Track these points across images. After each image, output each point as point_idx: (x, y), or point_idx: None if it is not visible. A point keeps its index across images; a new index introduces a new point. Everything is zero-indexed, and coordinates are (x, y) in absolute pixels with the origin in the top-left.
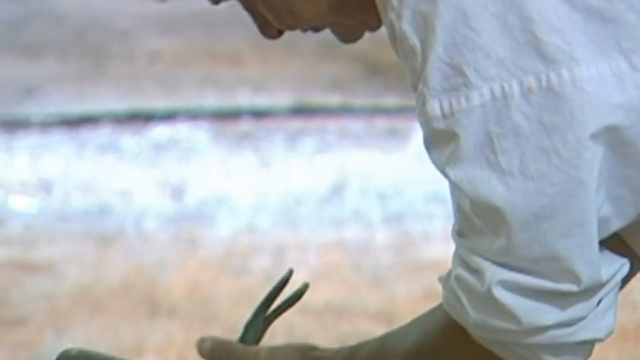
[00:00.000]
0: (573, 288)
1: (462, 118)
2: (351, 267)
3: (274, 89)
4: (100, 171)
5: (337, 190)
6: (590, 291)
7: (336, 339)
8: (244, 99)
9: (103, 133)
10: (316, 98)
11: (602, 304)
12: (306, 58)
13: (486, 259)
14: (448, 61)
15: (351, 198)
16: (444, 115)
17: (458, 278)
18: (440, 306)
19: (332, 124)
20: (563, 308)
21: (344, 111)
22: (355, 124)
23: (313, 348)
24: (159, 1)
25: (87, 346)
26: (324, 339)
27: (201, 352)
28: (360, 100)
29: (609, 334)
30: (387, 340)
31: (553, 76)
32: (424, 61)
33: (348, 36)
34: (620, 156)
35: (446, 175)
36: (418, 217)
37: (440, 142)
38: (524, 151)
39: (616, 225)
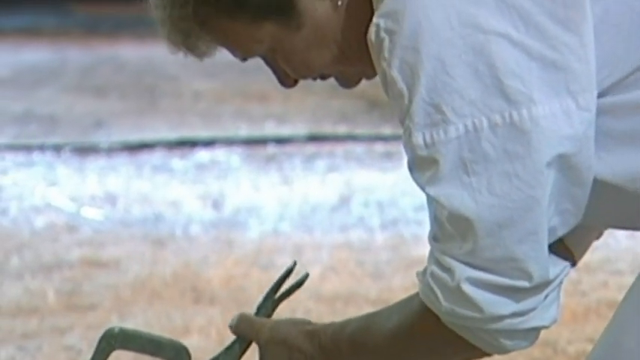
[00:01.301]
0: (526, 284)
1: (441, 147)
2: (355, 263)
3: (294, 121)
4: (154, 187)
5: (344, 201)
6: (539, 287)
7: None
8: (270, 129)
9: (157, 157)
10: (327, 128)
11: (548, 298)
12: (319, 97)
13: (456, 259)
14: (430, 102)
15: (356, 207)
16: (426, 145)
17: (432, 274)
18: (417, 294)
19: (340, 149)
20: (518, 301)
21: (349, 138)
22: (358, 149)
23: (308, 322)
24: (200, 60)
25: (144, 328)
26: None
27: (230, 328)
28: (362, 130)
29: (553, 322)
30: (371, 319)
31: (515, 113)
32: (410, 101)
33: (348, 83)
34: (567, 177)
35: (425, 192)
36: (410, 222)
37: (422, 166)
38: (492, 174)
39: (561, 232)
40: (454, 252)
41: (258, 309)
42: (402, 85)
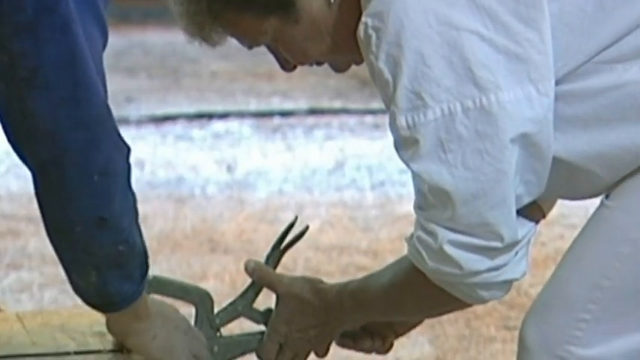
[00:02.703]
0: (498, 245)
1: (421, 128)
2: (348, 218)
3: (296, 97)
4: (177, 153)
5: (339, 166)
6: (510, 246)
7: (338, 268)
8: (276, 104)
9: (179, 127)
10: (325, 103)
11: (518, 254)
12: (318, 76)
13: (438, 225)
14: (411, 89)
15: (349, 171)
16: (408, 127)
17: (418, 238)
18: (406, 256)
19: (335, 121)
20: (492, 258)
21: (344, 112)
22: (351, 121)
23: (320, 281)
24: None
25: (167, 274)
26: (330, 267)
27: (246, 269)
28: (354, 105)
29: (523, 275)
30: (368, 279)
31: (484, 99)
32: (394, 89)
33: (340, 68)
34: (530, 153)
35: (409, 167)
36: (395, 184)
37: (405, 145)
38: (465, 151)
39: (526, 200)
40: (436, 218)
41: (267, 258)
42: (387, 76)
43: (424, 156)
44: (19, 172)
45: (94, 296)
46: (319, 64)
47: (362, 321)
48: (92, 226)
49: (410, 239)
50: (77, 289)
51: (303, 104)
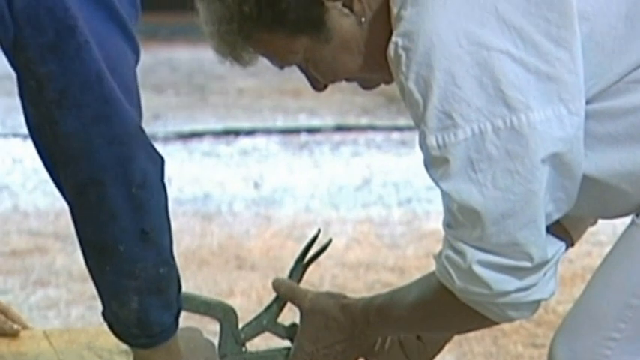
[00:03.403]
0: (528, 264)
1: (452, 148)
2: (375, 235)
3: (323, 114)
4: (203, 170)
5: (366, 183)
6: (539, 266)
7: (365, 284)
8: (302, 120)
9: (206, 144)
10: (351, 120)
11: (547, 274)
12: (345, 93)
13: (467, 244)
14: (441, 109)
15: (376, 188)
16: (438, 146)
17: (447, 257)
18: (433, 273)
19: (362, 138)
20: (521, 278)
21: (370, 129)
22: (378, 138)
23: (344, 296)
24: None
25: (195, 291)
26: (356, 284)
27: (273, 286)
28: (381, 121)
29: (552, 294)
30: (394, 294)
31: (514, 119)
32: (425, 109)
33: (369, 86)
34: (560, 172)
35: (439, 187)
36: (422, 201)
37: (435, 165)
38: (495, 170)
39: (555, 216)
40: (465, 238)
41: (291, 272)
42: (417, 96)
43: (454, 175)
44: (47, 189)
45: (133, 326)
46: (348, 80)
47: (388, 335)
48: (136, 241)
49: (438, 257)
50: (116, 320)
51: (329, 121)
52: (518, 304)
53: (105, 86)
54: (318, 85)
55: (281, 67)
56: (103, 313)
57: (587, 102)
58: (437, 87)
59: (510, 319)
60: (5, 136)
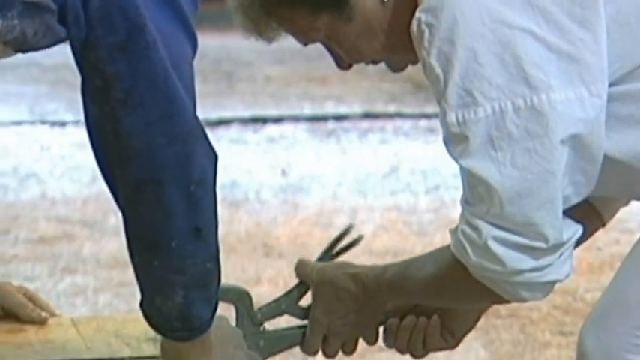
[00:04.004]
0: (543, 245)
1: (472, 125)
2: (403, 223)
3: (350, 101)
4: (231, 157)
5: (393, 170)
6: (555, 247)
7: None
8: (330, 108)
9: (234, 131)
10: (379, 107)
11: (562, 256)
12: (372, 80)
13: (483, 220)
14: (462, 86)
15: (403, 175)
16: (458, 123)
17: (463, 232)
18: (448, 247)
19: (390, 125)
20: (536, 258)
21: (398, 116)
22: (406, 125)
23: (352, 265)
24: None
25: (222, 278)
26: None
27: (295, 270)
28: (409, 109)
29: (566, 277)
30: (408, 266)
31: (535, 98)
32: (445, 85)
33: (396, 68)
34: (579, 154)
35: (458, 163)
36: (450, 188)
37: (455, 141)
38: (515, 149)
39: (574, 200)
40: (482, 214)
41: (317, 261)
42: (438, 71)
43: (473, 153)
44: (74, 177)
45: (174, 320)
46: (375, 62)
47: (403, 304)
48: (189, 238)
49: (454, 232)
50: (158, 314)
51: (357, 108)
52: (531, 284)
53: (170, 85)
54: (343, 64)
55: (304, 44)
56: (141, 305)
57: (613, 84)
58: (458, 64)
59: (522, 300)
60: (33, 123)
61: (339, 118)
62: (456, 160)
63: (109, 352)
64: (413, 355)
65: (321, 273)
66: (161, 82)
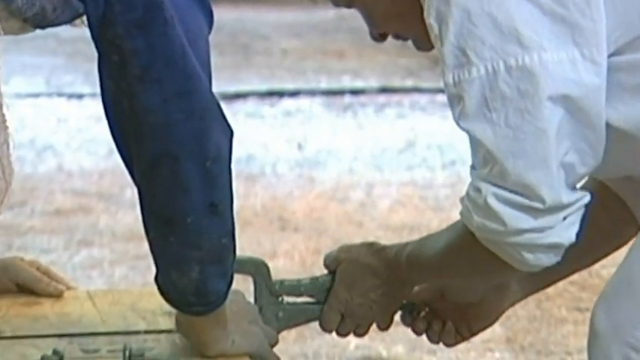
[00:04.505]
0: (540, 206)
1: (466, 85)
2: (419, 198)
3: (367, 75)
4: (247, 131)
5: (410, 145)
6: (554, 209)
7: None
8: (346, 82)
9: (250, 105)
10: (396, 82)
11: (567, 220)
12: (389, 55)
13: (485, 181)
14: (457, 46)
15: (420, 150)
16: (454, 84)
17: (467, 195)
18: (460, 221)
19: (407, 100)
20: (535, 218)
21: (415, 90)
22: (423, 100)
23: (378, 244)
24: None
25: (237, 252)
26: None
27: (325, 260)
28: (426, 83)
29: (571, 241)
30: (426, 240)
31: (527, 58)
32: (442, 45)
33: (422, 47)
34: (578, 119)
35: (459, 126)
36: (466, 163)
37: (453, 102)
38: (508, 109)
39: (581, 170)
40: (484, 176)
41: None
42: (437, 31)
43: (470, 114)
44: (91, 149)
45: (190, 294)
46: (398, 38)
47: (422, 281)
48: (205, 214)
49: (462, 200)
50: (173, 289)
51: (374, 82)
52: (533, 246)
53: (187, 62)
54: (374, 33)
55: (335, 5)
56: (157, 280)
57: (617, 53)
58: (452, 23)
59: (527, 265)
60: (50, 95)
61: (355, 92)
62: (457, 123)
63: (125, 325)
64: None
65: (348, 252)
66: (178, 58)
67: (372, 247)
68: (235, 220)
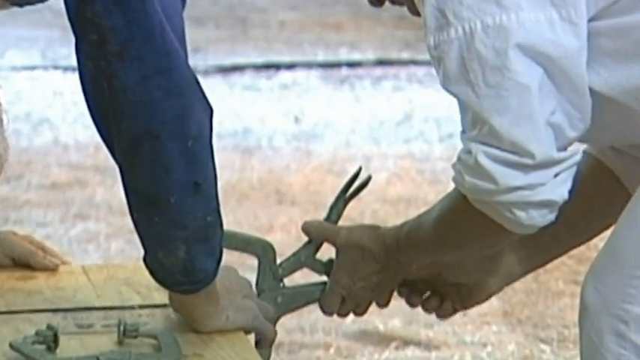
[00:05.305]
0: (530, 162)
1: (445, 47)
2: (416, 171)
3: (364, 48)
4: (244, 104)
5: (407, 117)
6: (544, 164)
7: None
8: (343, 54)
9: (247, 78)
10: (393, 54)
11: (559, 177)
12: (386, 26)
13: (475, 141)
14: (437, 7)
15: (417, 123)
16: (434, 46)
17: (458, 159)
18: (454, 189)
19: (404, 72)
20: (526, 174)
21: (412, 63)
22: (420, 72)
23: (378, 227)
24: None
25: (234, 226)
26: (397, 220)
27: (303, 230)
28: (423, 55)
29: (562, 199)
30: (421, 216)
31: (504, 16)
32: (424, 7)
33: (415, 12)
34: (559, 80)
35: (445, 89)
36: None
37: (437, 66)
38: (485, 69)
39: (571, 134)
40: (474, 137)
41: (331, 208)
42: None
43: (452, 77)
44: (87, 122)
45: (178, 274)
46: (394, 3)
47: (420, 261)
48: (188, 193)
49: (454, 165)
50: (161, 268)
51: (370, 55)
52: (525, 204)
53: (166, 38)
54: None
55: None
56: (145, 260)
57: (598, 18)
58: None
59: (521, 225)
60: (45, 68)
61: (352, 64)
62: (442, 86)
63: (120, 300)
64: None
65: (349, 235)
66: (157, 35)
67: (372, 231)
68: (231, 194)
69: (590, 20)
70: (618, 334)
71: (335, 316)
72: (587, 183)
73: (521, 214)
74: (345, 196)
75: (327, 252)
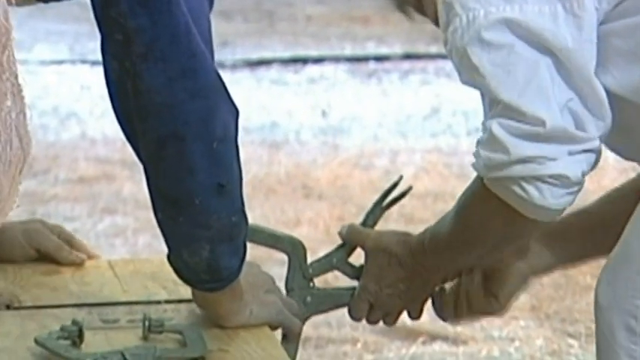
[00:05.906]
0: (541, 130)
1: (450, 37)
2: (443, 165)
3: (392, 41)
4: (271, 98)
5: (435, 111)
6: (556, 135)
7: (433, 214)
8: (371, 48)
9: (274, 72)
10: (421, 48)
11: (573, 156)
12: (414, 21)
13: (491, 118)
14: (448, 2)
15: (445, 117)
16: (446, 42)
17: (477, 141)
18: (470, 184)
19: (431, 66)
20: (538, 143)
21: (440, 57)
22: (448, 66)
23: (408, 234)
24: None
25: (261, 220)
26: (424, 214)
27: (339, 234)
28: None
29: (576, 177)
30: (440, 221)
31: (508, 7)
32: (439, 5)
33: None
34: (566, 70)
35: (462, 83)
36: None
37: (452, 61)
38: (490, 51)
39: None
40: (491, 115)
41: (367, 215)
42: None
43: (460, 66)
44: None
45: (202, 272)
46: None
47: (444, 265)
48: (212, 194)
49: (474, 153)
50: (185, 267)
51: (398, 49)
52: (534, 178)
53: (192, 40)
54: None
55: None
56: (169, 258)
57: (610, 20)
58: None
59: (535, 207)
60: (73, 62)
61: (380, 58)
62: (460, 81)
63: (146, 294)
64: (461, 321)
65: (377, 241)
66: (182, 36)
67: (400, 237)
68: (259, 188)
69: (601, 23)
70: (629, 329)
71: None
72: (631, 187)
73: (533, 192)
74: (382, 204)
75: (361, 257)
